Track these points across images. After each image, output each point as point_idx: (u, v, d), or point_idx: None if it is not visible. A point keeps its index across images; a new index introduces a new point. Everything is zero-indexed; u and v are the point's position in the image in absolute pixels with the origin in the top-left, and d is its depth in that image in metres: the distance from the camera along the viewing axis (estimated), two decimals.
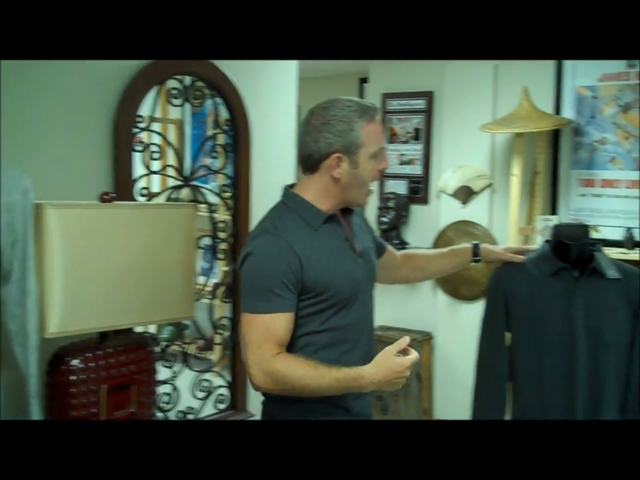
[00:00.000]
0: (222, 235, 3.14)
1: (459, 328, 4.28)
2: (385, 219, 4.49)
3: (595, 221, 3.81)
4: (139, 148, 2.70)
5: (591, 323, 2.11)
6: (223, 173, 3.17)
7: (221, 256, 3.17)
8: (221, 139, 3.17)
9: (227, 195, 3.15)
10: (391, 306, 4.47)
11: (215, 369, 3.22)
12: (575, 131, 3.87)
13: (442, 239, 4.37)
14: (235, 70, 3.05)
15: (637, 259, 3.46)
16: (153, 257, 2.34)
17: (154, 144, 2.79)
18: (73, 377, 2.19)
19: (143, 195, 2.72)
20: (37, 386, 2.09)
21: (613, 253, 3.43)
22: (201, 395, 3.08)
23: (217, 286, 3.22)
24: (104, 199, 2.27)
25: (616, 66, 3.71)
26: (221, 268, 3.52)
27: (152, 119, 2.82)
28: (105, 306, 2.23)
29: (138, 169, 2.73)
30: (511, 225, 3.85)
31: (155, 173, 2.81)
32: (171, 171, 2.97)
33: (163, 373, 2.86)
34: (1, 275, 2.00)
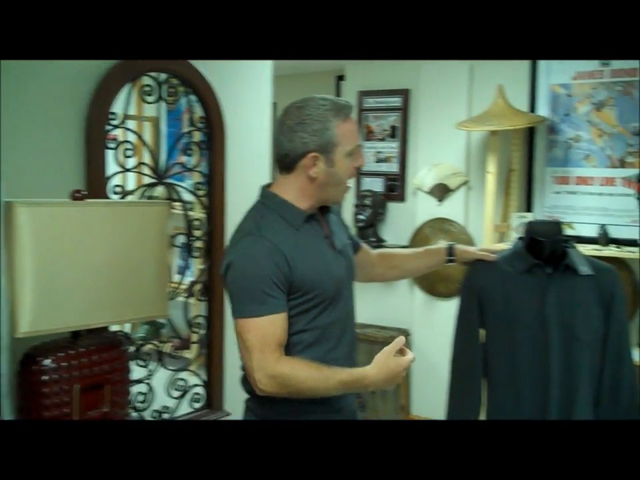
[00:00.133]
0: (197, 232, 3.12)
1: (435, 325, 4.30)
2: (361, 217, 4.49)
3: (569, 218, 3.85)
4: (112, 145, 2.67)
5: (563, 319, 2.12)
6: (197, 171, 3.15)
7: (196, 254, 3.16)
8: (197, 136, 3.15)
9: (202, 192, 3.13)
10: (368, 303, 4.47)
11: (190, 368, 3.20)
12: (550, 129, 3.90)
13: (418, 237, 4.38)
14: (210, 67, 3.04)
15: (611, 255, 3.49)
16: (126, 255, 2.32)
17: (127, 141, 2.77)
18: (44, 377, 2.17)
19: (116, 193, 2.69)
20: (8, 386, 2.07)
21: (588, 249, 3.46)
22: (176, 394, 3.07)
23: (192, 284, 3.20)
24: (75, 196, 2.24)
25: (590, 64, 3.75)
26: (197, 266, 3.50)
27: (127, 117, 2.80)
28: (77, 305, 2.21)
29: (112, 167, 2.71)
30: (486, 222, 3.87)
31: (127, 170, 2.78)
32: (145, 169, 2.95)
33: (137, 372, 2.85)
34: None
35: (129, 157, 2.75)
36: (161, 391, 3.00)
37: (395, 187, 4.61)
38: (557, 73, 3.85)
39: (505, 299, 2.17)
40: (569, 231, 3.74)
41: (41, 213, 2.15)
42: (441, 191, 4.29)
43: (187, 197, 3.16)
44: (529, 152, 3.98)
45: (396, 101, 4.54)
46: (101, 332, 2.40)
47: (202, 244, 3.15)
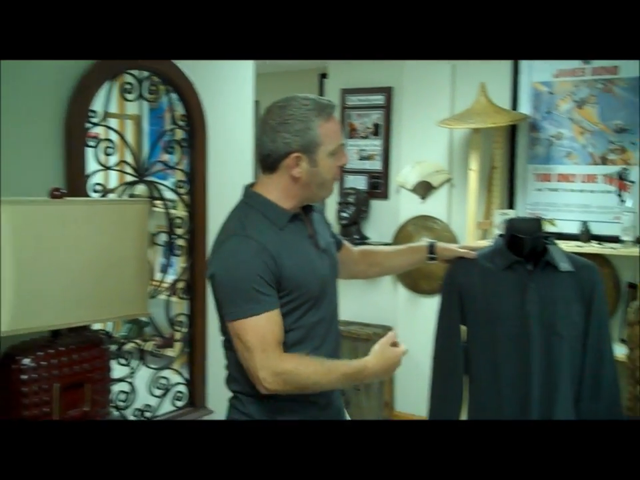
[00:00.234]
0: (179, 231, 3.11)
1: (419, 322, 4.31)
2: (345, 214, 4.49)
3: (551, 214, 3.87)
4: (92, 143, 2.65)
5: (544, 316, 2.12)
6: (179, 169, 3.14)
7: (178, 252, 3.15)
8: (179, 134, 3.14)
9: (183, 190, 3.12)
10: (351, 301, 4.47)
11: (173, 366, 3.19)
12: (532, 126, 3.92)
13: (402, 234, 4.39)
14: (191, 65, 3.02)
15: (593, 252, 3.51)
16: (106, 254, 2.31)
17: (108, 139, 2.75)
18: (24, 376, 2.15)
19: (96, 191, 2.68)
20: None
21: (569, 246, 3.48)
22: (158, 392, 3.06)
23: (175, 282, 3.19)
24: (54, 194, 2.23)
25: (571, 62, 3.77)
26: (180, 264, 3.49)
27: (108, 115, 2.78)
28: (57, 303, 2.20)
29: (93, 165, 2.69)
30: (469, 220, 3.89)
31: (107, 168, 2.77)
32: (126, 167, 2.93)
33: (119, 370, 2.84)
34: None
35: (109, 154, 2.73)
36: (143, 389, 2.99)
37: (378, 185, 4.62)
38: (539, 71, 3.87)
39: (485, 296, 2.18)
40: (550, 228, 3.76)
41: (20, 212, 2.14)
42: (424, 189, 4.30)
43: (169, 195, 3.14)
44: (511, 149, 4.00)
45: (379, 99, 4.55)
46: (81, 331, 2.39)
47: (184, 242, 3.14)
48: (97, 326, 2.70)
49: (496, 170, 3.97)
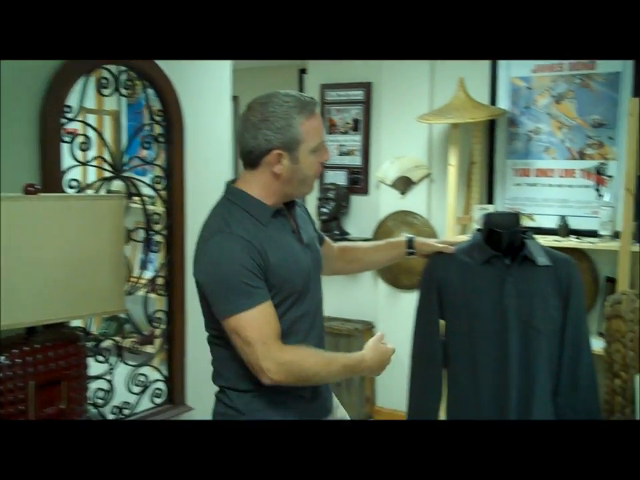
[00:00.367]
0: (157, 227, 3.09)
1: (399, 317, 4.30)
2: (325, 210, 4.49)
3: (530, 209, 3.89)
4: (67, 139, 2.63)
5: (522, 310, 2.13)
6: (156, 164, 3.12)
7: (155, 248, 3.12)
8: (157, 129, 3.12)
9: (161, 186, 3.09)
10: (332, 296, 4.46)
11: (152, 363, 3.17)
12: (510, 121, 3.93)
13: (382, 229, 4.39)
14: (168, 60, 3.00)
15: (571, 246, 3.53)
16: (81, 250, 2.29)
17: (83, 135, 2.73)
18: None
19: (71, 187, 2.65)
20: None
21: (548, 240, 3.50)
22: (136, 389, 3.04)
23: (153, 279, 3.17)
24: (28, 190, 2.21)
25: None
26: (159, 260, 3.47)
27: (86, 110, 2.76)
28: (31, 300, 2.18)
29: (70, 161, 2.67)
30: (448, 215, 3.89)
31: (83, 164, 2.74)
32: (102, 163, 2.90)
33: (97, 368, 2.82)
34: None
35: (84, 150, 2.71)
36: (121, 386, 2.97)
37: (358, 180, 4.62)
38: (517, 66, 3.88)
39: (464, 290, 2.18)
40: (529, 223, 3.78)
41: None
42: (404, 184, 4.30)
43: (147, 191, 3.12)
44: (489, 144, 4.01)
45: (358, 94, 4.55)
46: (57, 328, 2.37)
47: (162, 238, 3.12)
48: (75, 323, 2.68)
49: (475, 165, 3.97)
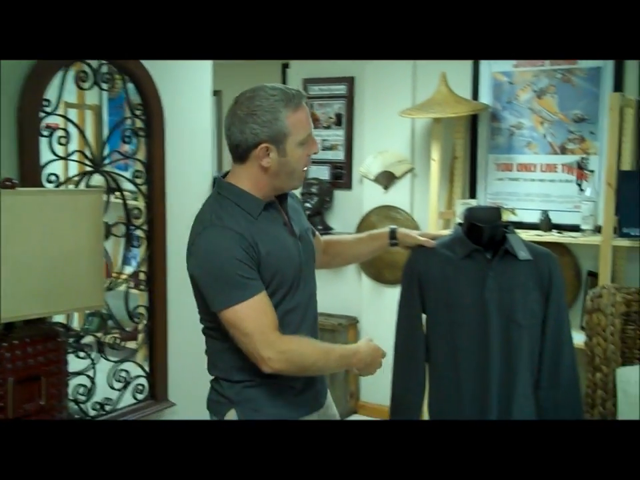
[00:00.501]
0: (137, 221, 3.07)
1: (383, 311, 4.31)
2: (308, 205, 4.48)
3: (512, 204, 3.91)
4: (46, 133, 2.60)
5: (503, 304, 2.13)
6: (136, 159, 3.09)
7: (136, 243, 3.10)
8: (139, 123, 3.10)
9: (141, 180, 3.07)
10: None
11: (132, 359, 3.15)
12: (492, 116, 3.94)
13: (365, 224, 4.39)
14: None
15: (553, 240, 3.55)
16: (59, 245, 2.27)
17: (62, 129, 2.70)
18: None
19: (50, 182, 2.63)
20: None
21: (530, 235, 3.51)
22: (118, 385, 3.02)
23: (134, 274, 3.15)
24: (5, 185, 2.19)
25: None
26: (141, 256, 3.45)
27: (68, 105, 2.74)
28: (9, 296, 2.16)
29: (49, 156, 2.64)
30: (431, 209, 3.90)
31: (62, 158, 2.72)
32: (82, 157, 2.88)
33: (79, 364, 2.80)
34: None
35: (62, 144, 2.68)
36: (103, 382, 2.95)
37: (341, 175, 4.62)
38: (499, 61, 3.89)
39: (445, 284, 2.18)
40: (511, 217, 3.79)
41: None
42: (387, 179, 4.30)
43: (128, 185, 3.10)
44: (472, 139, 4.02)
45: (341, 89, 4.54)
46: (37, 323, 2.35)
47: (142, 233, 3.10)
48: (58, 318, 2.66)
49: (457, 160, 3.98)
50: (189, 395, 3.28)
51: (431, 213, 3.90)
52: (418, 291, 2.23)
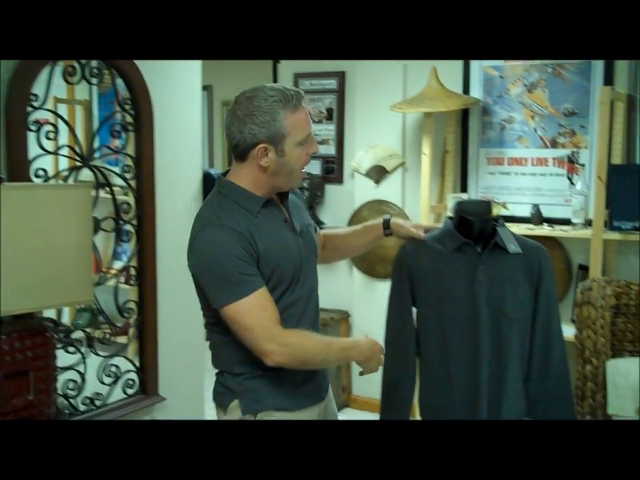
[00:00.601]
0: (126, 216, 3.06)
1: (375, 306, 4.30)
2: None
3: (503, 198, 3.91)
4: (33, 128, 2.59)
5: (493, 297, 2.14)
6: (126, 153, 3.08)
7: (126, 238, 3.09)
8: (128, 118, 3.08)
9: (130, 175, 3.06)
10: None
11: (122, 354, 3.14)
12: (483, 110, 3.95)
13: (357, 218, 4.39)
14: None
15: (545, 234, 3.55)
16: (47, 239, 2.27)
17: (50, 124, 2.69)
18: None
19: (38, 177, 2.61)
20: None
21: (521, 229, 3.52)
22: (108, 380, 3.01)
23: (123, 269, 3.14)
24: None
25: None
26: (131, 250, 3.44)
27: (57, 100, 2.72)
28: None
29: (37, 150, 2.63)
30: (422, 204, 3.90)
31: (50, 153, 2.70)
32: (71, 152, 2.86)
33: (68, 358, 2.79)
34: None
35: (50, 139, 2.67)
36: (93, 377, 2.94)
37: (333, 169, 4.62)
38: None
39: (435, 278, 2.18)
40: (503, 211, 3.79)
41: None
42: (378, 173, 4.31)
43: (118, 180, 3.09)
44: (463, 133, 4.02)
45: (332, 84, 4.54)
46: (25, 318, 2.34)
47: (132, 228, 3.08)
48: (47, 313, 2.65)
49: (448, 154, 3.98)
50: (180, 389, 3.28)
51: (422, 207, 3.90)
52: (408, 284, 2.23)
